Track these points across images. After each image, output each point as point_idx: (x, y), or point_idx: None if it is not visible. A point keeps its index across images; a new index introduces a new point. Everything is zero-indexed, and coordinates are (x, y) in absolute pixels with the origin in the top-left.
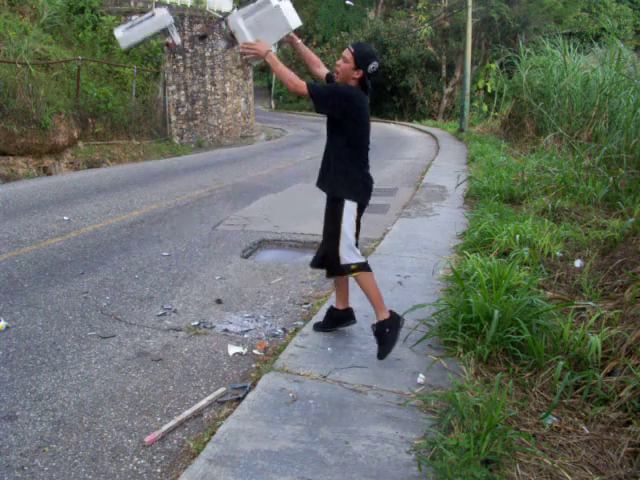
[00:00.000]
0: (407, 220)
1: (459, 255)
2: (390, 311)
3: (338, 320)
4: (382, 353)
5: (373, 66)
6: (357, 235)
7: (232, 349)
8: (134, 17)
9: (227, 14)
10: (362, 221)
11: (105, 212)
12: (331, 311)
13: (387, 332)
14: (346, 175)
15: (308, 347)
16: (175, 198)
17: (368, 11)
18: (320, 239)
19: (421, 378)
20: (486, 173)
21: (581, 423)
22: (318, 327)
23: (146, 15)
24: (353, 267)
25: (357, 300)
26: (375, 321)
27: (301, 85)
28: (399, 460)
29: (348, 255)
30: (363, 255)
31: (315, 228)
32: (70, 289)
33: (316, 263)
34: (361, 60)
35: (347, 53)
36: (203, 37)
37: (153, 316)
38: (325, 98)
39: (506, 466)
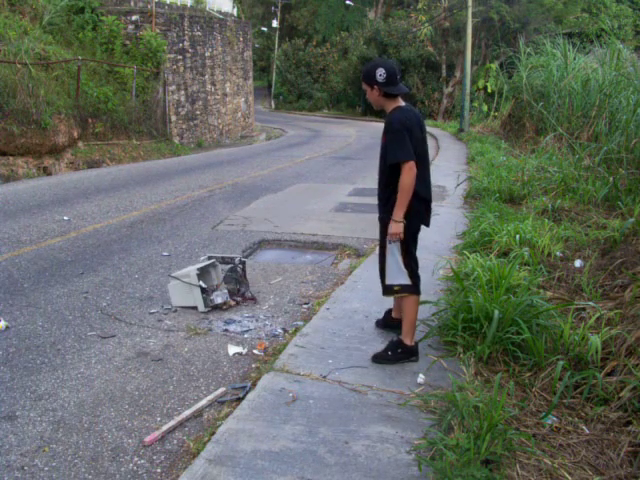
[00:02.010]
0: None
1: (459, 255)
2: (415, 342)
3: (387, 324)
4: (379, 358)
5: (380, 73)
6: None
7: (232, 349)
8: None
9: (227, 14)
10: (361, 220)
11: (105, 212)
12: (386, 314)
13: (399, 352)
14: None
15: (308, 347)
16: (175, 198)
17: (368, 11)
18: (320, 239)
19: (421, 378)
20: (486, 173)
21: (581, 423)
22: (377, 323)
23: None
24: (396, 288)
25: (358, 300)
26: (399, 337)
27: (409, 172)
28: (399, 460)
29: (393, 277)
30: (415, 277)
31: (315, 228)
32: (70, 289)
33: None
34: (368, 78)
35: (363, 85)
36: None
37: (153, 316)
38: (407, 149)
39: (506, 466)
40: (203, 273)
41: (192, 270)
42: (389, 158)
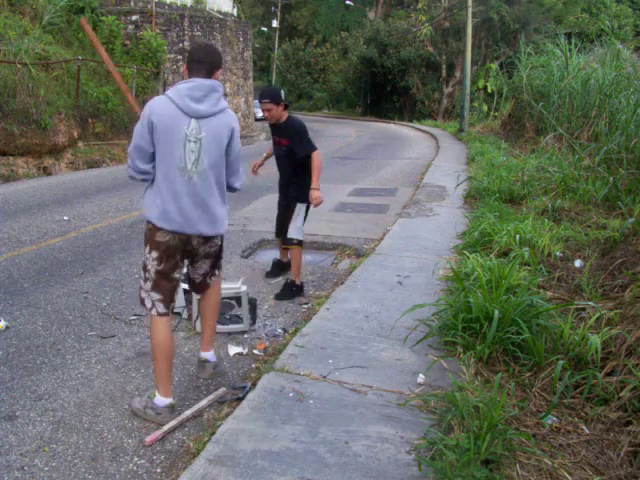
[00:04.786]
0: (407, 220)
1: (459, 255)
2: (302, 282)
3: (282, 270)
4: (281, 297)
5: (282, 93)
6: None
7: (232, 349)
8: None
9: (227, 14)
10: (361, 220)
11: (105, 212)
12: (275, 265)
13: (294, 290)
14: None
15: (308, 347)
16: None
17: (368, 11)
18: (319, 239)
19: (421, 378)
20: (486, 173)
21: (581, 423)
22: (268, 274)
23: None
24: (295, 241)
25: (358, 300)
26: (291, 279)
27: (319, 156)
28: (399, 460)
29: (295, 233)
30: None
31: (315, 228)
32: (70, 289)
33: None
34: (277, 98)
35: (268, 105)
36: None
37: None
38: (312, 142)
39: (506, 466)
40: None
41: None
42: (306, 150)
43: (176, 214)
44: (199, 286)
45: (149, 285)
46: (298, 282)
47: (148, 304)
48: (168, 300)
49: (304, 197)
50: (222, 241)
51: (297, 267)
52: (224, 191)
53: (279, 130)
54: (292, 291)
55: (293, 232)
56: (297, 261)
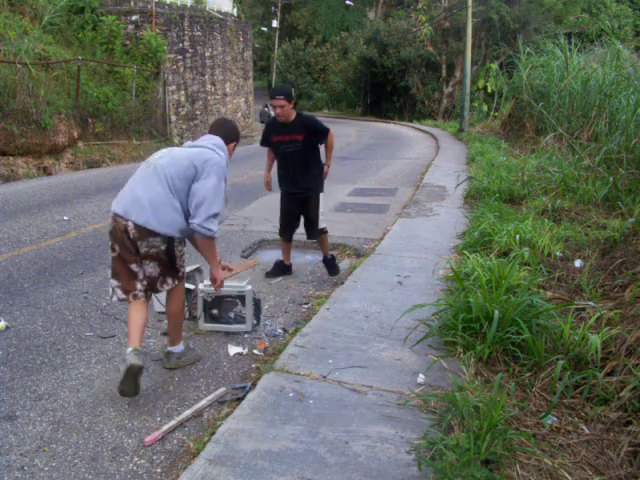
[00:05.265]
0: (407, 220)
1: (459, 255)
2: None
3: (284, 272)
4: (335, 272)
5: (294, 90)
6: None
7: (232, 349)
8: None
9: (227, 14)
10: (361, 220)
11: (105, 212)
12: (277, 265)
13: (336, 263)
14: (320, 174)
15: (308, 347)
16: None
17: (368, 11)
18: None
19: (421, 378)
20: (486, 173)
21: (581, 423)
22: (268, 274)
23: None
24: (325, 230)
25: (358, 300)
26: (329, 255)
27: (333, 136)
28: (399, 460)
29: (322, 222)
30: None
31: None
32: (70, 289)
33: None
34: (290, 96)
35: (282, 101)
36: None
37: (153, 316)
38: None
39: (506, 466)
40: (188, 277)
41: None
42: (324, 131)
43: (126, 195)
44: (147, 287)
45: (109, 273)
46: (330, 255)
47: (110, 292)
48: (125, 287)
49: (322, 186)
50: (170, 250)
51: (327, 247)
52: (179, 203)
53: (290, 127)
54: (335, 263)
55: (321, 222)
56: (327, 243)
